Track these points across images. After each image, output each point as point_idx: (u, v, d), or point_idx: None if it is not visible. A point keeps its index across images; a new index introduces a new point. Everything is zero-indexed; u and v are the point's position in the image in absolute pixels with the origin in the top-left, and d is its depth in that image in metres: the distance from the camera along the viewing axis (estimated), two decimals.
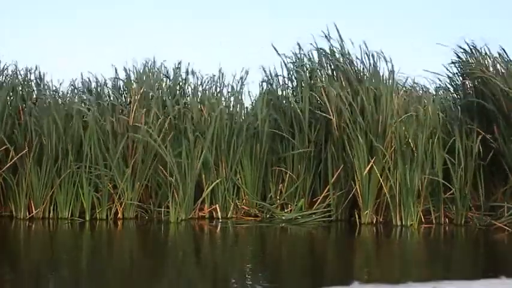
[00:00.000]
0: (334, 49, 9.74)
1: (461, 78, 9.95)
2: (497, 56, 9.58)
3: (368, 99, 9.12)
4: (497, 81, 9.11)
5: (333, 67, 9.73)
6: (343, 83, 9.38)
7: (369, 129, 9.06)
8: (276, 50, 9.92)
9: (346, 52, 9.69)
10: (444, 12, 15.32)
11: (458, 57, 9.86)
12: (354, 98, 9.17)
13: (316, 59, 9.88)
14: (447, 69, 10.01)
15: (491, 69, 9.43)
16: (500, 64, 9.47)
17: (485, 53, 9.64)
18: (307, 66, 9.92)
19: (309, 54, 9.93)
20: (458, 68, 9.92)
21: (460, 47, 9.77)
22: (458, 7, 14.96)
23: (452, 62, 9.89)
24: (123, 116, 9.24)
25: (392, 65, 9.56)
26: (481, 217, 9.09)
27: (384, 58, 9.56)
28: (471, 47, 9.73)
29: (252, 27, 14.53)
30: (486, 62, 9.56)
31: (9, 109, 9.21)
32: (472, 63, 9.60)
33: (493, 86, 9.15)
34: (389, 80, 9.50)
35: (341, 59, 9.66)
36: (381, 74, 9.55)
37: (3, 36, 13.77)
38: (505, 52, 9.53)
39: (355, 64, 9.60)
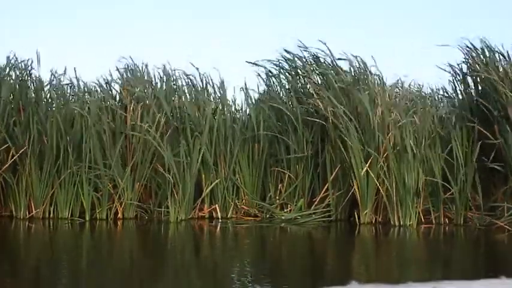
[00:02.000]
0: (326, 53, 9.80)
1: (463, 78, 9.92)
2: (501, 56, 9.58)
3: (360, 101, 9.14)
4: (499, 83, 9.09)
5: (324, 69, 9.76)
6: (335, 85, 9.39)
7: (363, 130, 9.07)
8: (255, 63, 9.95)
9: (337, 56, 9.78)
10: (444, 12, 15.33)
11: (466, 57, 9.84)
12: (345, 100, 9.19)
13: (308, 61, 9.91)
14: (448, 69, 9.99)
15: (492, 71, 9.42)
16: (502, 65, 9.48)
17: (489, 53, 9.63)
18: (300, 67, 9.93)
19: (302, 57, 9.95)
20: (461, 68, 9.90)
21: (468, 47, 9.73)
22: (458, 7, 14.97)
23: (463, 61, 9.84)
24: (123, 113, 9.25)
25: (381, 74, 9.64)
26: (481, 217, 9.09)
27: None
28: (471, 48, 9.72)
29: (252, 27, 14.55)
30: (489, 61, 9.55)
31: (10, 108, 9.20)
32: (476, 63, 9.58)
33: (496, 88, 9.14)
34: (381, 81, 9.57)
35: (332, 62, 9.71)
36: (375, 75, 9.61)
37: (3, 36, 13.77)
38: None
39: (347, 66, 9.68)
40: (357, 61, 9.70)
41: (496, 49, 9.58)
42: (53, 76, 9.73)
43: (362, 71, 9.67)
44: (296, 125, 9.49)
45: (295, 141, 9.50)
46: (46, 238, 8.37)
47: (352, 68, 9.69)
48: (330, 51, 9.78)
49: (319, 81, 9.71)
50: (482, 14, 15.13)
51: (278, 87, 10.09)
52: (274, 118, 9.69)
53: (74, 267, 6.43)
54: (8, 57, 9.59)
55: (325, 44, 9.77)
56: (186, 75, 9.98)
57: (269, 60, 10.03)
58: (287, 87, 10.02)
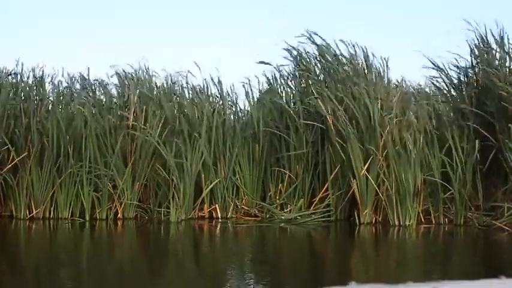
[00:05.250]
0: (325, 51, 9.79)
1: (463, 78, 9.92)
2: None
3: (359, 101, 9.15)
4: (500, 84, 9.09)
5: (324, 69, 9.75)
6: (335, 84, 9.39)
7: (362, 131, 9.07)
8: (264, 62, 9.95)
9: (337, 54, 9.76)
10: (443, 13, 15.34)
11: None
12: (345, 100, 9.20)
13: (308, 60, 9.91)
14: (447, 70, 10.00)
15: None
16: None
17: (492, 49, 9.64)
18: (301, 65, 9.92)
19: (301, 56, 9.94)
20: (461, 69, 9.90)
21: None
22: (458, 7, 14.98)
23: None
24: (124, 113, 9.27)
25: (386, 67, 9.64)
26: (481, 217, 9.09)
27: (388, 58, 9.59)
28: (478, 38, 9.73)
29: (252, 26, 14.56)
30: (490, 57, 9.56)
31: (10, 109, 9.20)
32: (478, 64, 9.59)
33: (496, 88, 9.14)
34: (380, 80, 9.58)
35: (332, 61, 9.71)
36: (372, 75, 9.62)
37: (4, 36, 13.79)
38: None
39: (347, 66, 9.67)
40: (356, 55, 9.71)
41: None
42: (52, 76, 9.76)
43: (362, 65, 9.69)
44: (297, 125, 9.50)
45: (296, 140, 9.50)
46: (46, 238, 8.38)
47: (352, 62, 9.70)
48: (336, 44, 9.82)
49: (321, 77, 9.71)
50: (484, 14, 15.13)
51: (279, 86, 10.08)
52: (275, 116, 9.68)
53: (74, 268, 6.43)
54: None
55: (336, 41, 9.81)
56: (187, 75, 10.00)
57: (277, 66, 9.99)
58: (289, 85, 10.02)
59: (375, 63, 9.74)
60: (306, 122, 9.42)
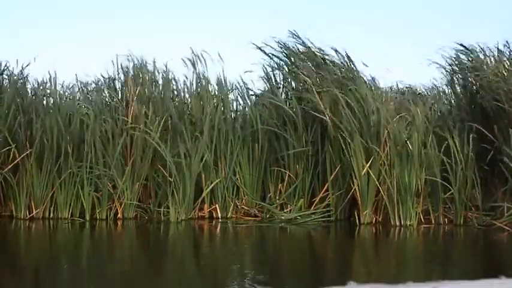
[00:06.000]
0: (324, 50, 9.82)
1: (461, 77, 9.94)
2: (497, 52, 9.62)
3: (358, 101, 9.14)
4: (496, 81, 9.10)
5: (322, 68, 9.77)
6: (334, 83, 9.40)
7: (363, 130, 9.06)
8: (265, 52, 9.97)
9: (336, 54, 9.80)
10: (444, 12, 15.34)
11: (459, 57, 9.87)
12: (342, 99, 9.20)
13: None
14: (446, 69, 10.01)
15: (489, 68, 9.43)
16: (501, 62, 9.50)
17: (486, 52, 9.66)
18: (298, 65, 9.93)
19: (299, 55, 9.95)
20: (458, 68, 9.91)
21: (461, 47, 9.77)
22: (458, 7, 14.98)
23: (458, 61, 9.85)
24: (123, 118, 9.27)
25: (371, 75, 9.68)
26: (481, 217, 9.09)
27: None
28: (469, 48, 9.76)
29: (252, 26, 14.57)
30: (487, 61, 9.58)
31: (11, 109, 9.20)
32: (471, 64, 9.60)
33: (494, 86, 9.15)
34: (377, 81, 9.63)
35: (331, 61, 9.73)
36: (372, 75, 9.67)
37: (4, 36, 13.79)
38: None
39: (345, 65, 9.68)
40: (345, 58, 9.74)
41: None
42: (52, 75, 9.76)
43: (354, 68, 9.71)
44: (296, 124, 9.49)
45: (295, 140, 9.49)
46: (46, 238, 8.38)
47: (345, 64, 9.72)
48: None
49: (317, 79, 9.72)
50: (483, 14, 15.15)
51: (277, 84, 10.07)
52: (274, 116, 9.68)
53: (74, 268, 6.43)
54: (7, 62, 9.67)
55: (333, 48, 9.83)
56: (187, 71, 10.01)
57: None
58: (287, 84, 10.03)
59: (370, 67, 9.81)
60: (310, 111, 9.37)
